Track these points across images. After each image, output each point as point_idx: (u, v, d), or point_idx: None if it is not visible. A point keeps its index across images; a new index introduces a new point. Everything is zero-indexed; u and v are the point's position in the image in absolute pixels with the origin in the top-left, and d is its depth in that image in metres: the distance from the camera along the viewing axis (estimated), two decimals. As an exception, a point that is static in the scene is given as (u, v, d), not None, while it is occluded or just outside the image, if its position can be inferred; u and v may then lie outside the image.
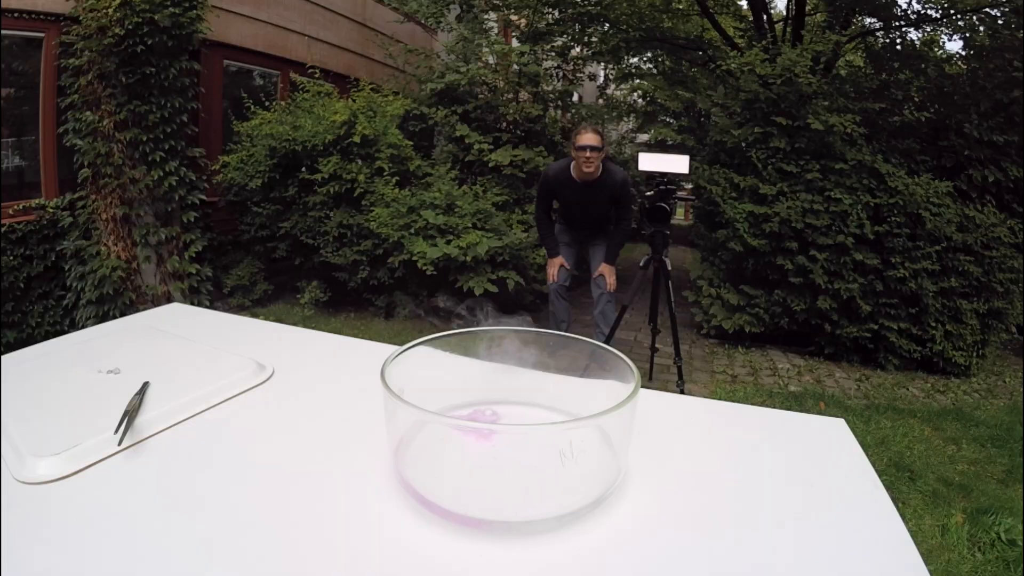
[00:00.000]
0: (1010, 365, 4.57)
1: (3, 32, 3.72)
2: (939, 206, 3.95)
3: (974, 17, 5.03)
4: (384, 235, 4.25)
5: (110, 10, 3.72)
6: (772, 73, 4.17)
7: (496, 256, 4.23)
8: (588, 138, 3.09)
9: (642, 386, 0.56)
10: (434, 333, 0.65)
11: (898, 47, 5.42)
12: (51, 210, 4.00)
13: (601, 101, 8.21)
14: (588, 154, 3.09)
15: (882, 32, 5.69)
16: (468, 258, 4.05)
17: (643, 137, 9.18)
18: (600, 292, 3.47)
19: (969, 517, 2.30)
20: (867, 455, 0.65)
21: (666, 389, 2.57)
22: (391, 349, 0.61)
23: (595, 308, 3.51)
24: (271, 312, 4.60)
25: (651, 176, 3.01)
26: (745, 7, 6.90)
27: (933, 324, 4.05)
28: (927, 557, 1.34)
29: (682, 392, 2.78)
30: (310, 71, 5.14)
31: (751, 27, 6.49)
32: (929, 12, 5.34)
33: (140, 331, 0.97)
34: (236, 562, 0.46)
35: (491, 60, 5.50)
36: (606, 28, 6.72)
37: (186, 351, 0.87)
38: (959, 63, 4.97)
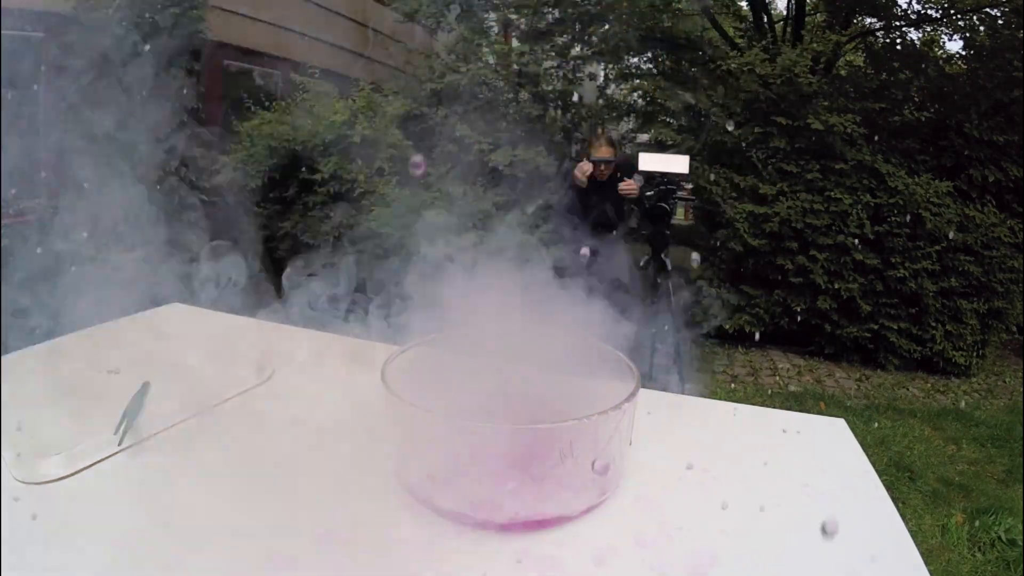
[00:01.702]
0: (1010, 365, 4.57)
1: (3, 32, 3.72)
2: (939, 206, 3.94)
3: (974, 17, 5.02)
4: (384, 235, 4.25)
5: (110, 10, 3.72)
6: (772, 73, 4.17)
7: (496, 256, 4.22)
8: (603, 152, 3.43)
9: (642, 386, 0.56)
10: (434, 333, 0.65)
11: (898, 47, 5.42)
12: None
13: (601, 101, 8.20)
14: (603, 168, 3.37)
15: (882, 32, 5.68)
16: (468, 258, 4.05)
17: (643, 137, 9.15)
18: None
19: (969, 517, 2.30)
20: (867, 455, 0.65)
21: (666, 389, 2.57)
22: (391, 349, 0.61)
23: None
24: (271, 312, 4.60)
25: (651, 176, 3.01)
26: (745, 7, 6.90)
27: (933, 324, 4.04)
28: (927, 557, 1.34)
29: (682, 392, 2.77)
30: (310, 71, 5.14)
31: (751, 27, 6.49)
32: (929, 12, 5.33)
33: (140, 331, 0.97)
34: (236, 562, 0.46)
35: (491, 60, 5.50)
36: (606, 28, 6.72)
37: (186, 351, 0.87)
38: (959, 63, 4.96)
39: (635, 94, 8.84)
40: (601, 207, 3.58)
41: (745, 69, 4.35)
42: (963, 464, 2.81)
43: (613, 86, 8.61)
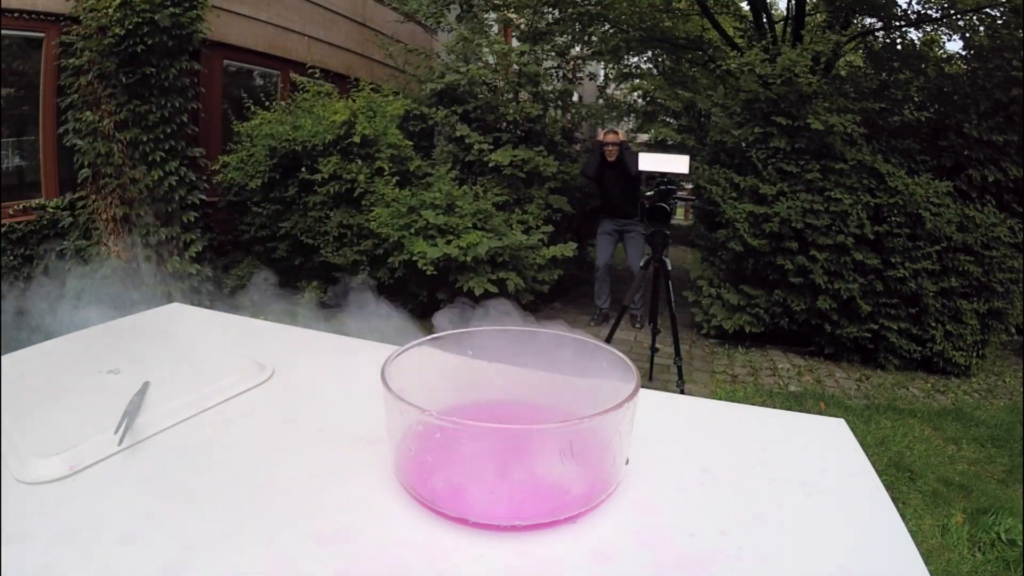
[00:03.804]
0: (1010, 365, 4.57)
1: (3, 32, 3.72)
2: (939, 206, 3.95)
3: (974, 17, 5.02)
4: (384, 235, 4.25)
5: (110, 10, 3.72)
6: (772, 73, 4.17)
7: (496, 256, 4.22)
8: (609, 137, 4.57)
9: (642, 386, 0.56)
10: (434, 333, 0.65)
11: (898, 47, 5.42)
12: (51, 210, 4.00)
13: (601, 101, 8.21)
14: (609, 148, 4.52)
15: (882, 32, 5.69)
16: (468, 258, 4.05)
17: (643, 137, 9.16)
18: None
19: (969, 517, 2.30)
20: (867, 455, 0.65)
21: (666, 389, 2.58)
22: (391, 349, 0.61)
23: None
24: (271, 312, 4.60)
25: (651, 176, 3.02)
26: (745, 7, 6.90)
27: (933, 324, 4.05)
28: (927, 557, 1.34)
29: (682, 392, 2.78)
30: (310, 71, 5.14)
31: (751, 27, 6.49)
32: (929, 12, 5.34)
33: (140, 331, 0.97)
34: (236, 562, 0.46)
35: (491, 60, 5.50)
36: (606, 28, 6.72)
37: (186, 351, 0.87)
38: (959, 63, 4.96)
39: (635, 94, 8.84)
40: (616, 186, 4.55)
41: (745, 69, 4.35)
42: (963, 464, 2.81)
43: (613, 86, 8.61)
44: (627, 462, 0.55)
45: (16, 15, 3.78)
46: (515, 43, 6.24)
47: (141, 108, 3.96)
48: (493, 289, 4.11)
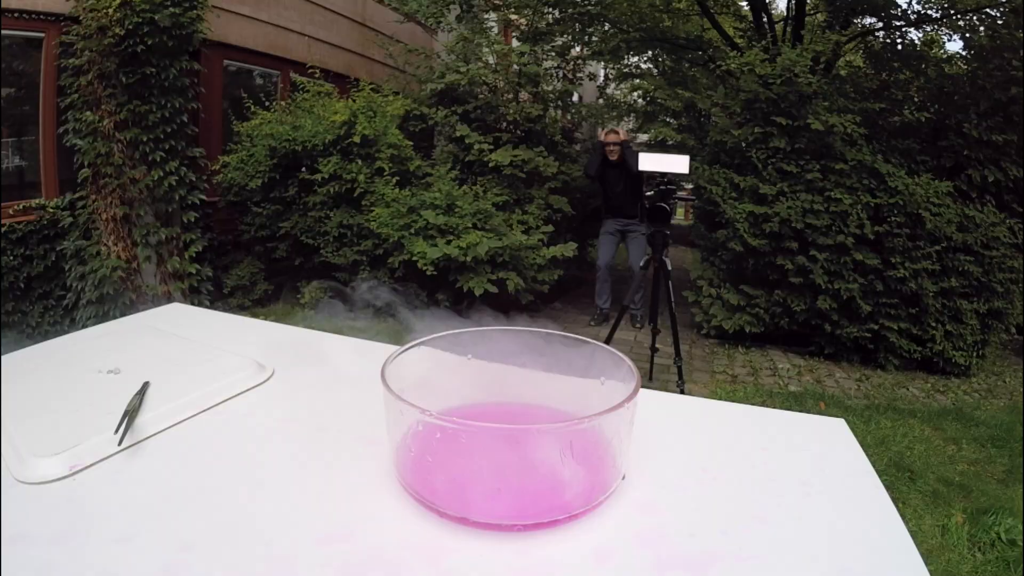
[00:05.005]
0: (1010, 365, 4.57)
1: (3, 32, 3.73)
2: (939, 206, 3.95)
3: (974, 17, 5.03)
4: (384, 235, 4.25)
5: (110, 10, 3.72)
6: (772, 73, 4.17)
7: (496, 257, 4.22)
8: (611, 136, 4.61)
9: (642, 386, 0.55)
10: (434, 333, 0.65)
11: (898, 47, 5.42)
12: (51, 210, 4.00)
13: (601, 101, 8.20)
14: (611, 147, 4.53)
15: (882, 32, 5.69)
16: (468, 258, 4.05)
17: (643, 137, 9.16)
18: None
19: (969, 517, 2.30)
20: (867, 455, 0.65)
21: (666, 389, 2.58)
22: (391, 349, 0.61)
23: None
24: (271, 312, 4.60)
25: (651, 176, 3.02)
26: (745, 7, 6.90)
27: (933, 324, 4.05)
28: (927, 557, 1.34)
29: (682, 392, 2.78)
30: (310, 71, 5.15)
31: (751, 27, 6.49)
32: (929, 12, 5.34)
33: (140, 331, 0.97)
34: (236, 563, 0.46)
35: (491, 60, 5.50)
36: (606, 28, 6.72)
37: (186, 351, 0.86)
38: (959, 63, 4.97)
39: (635, 94, 8.84)
40: (618, 186, 4.61)
41: (745, 69, 4.35)
42: (963, 464, 2.81)
43: (613, 86, 8.61)
44: (623, 478, 0.55)
45: (16, 15, 3.78)
46: (515, 43, 6.23)
47: (141, 108, 3.96)
48: (493, 289, 4.11)
